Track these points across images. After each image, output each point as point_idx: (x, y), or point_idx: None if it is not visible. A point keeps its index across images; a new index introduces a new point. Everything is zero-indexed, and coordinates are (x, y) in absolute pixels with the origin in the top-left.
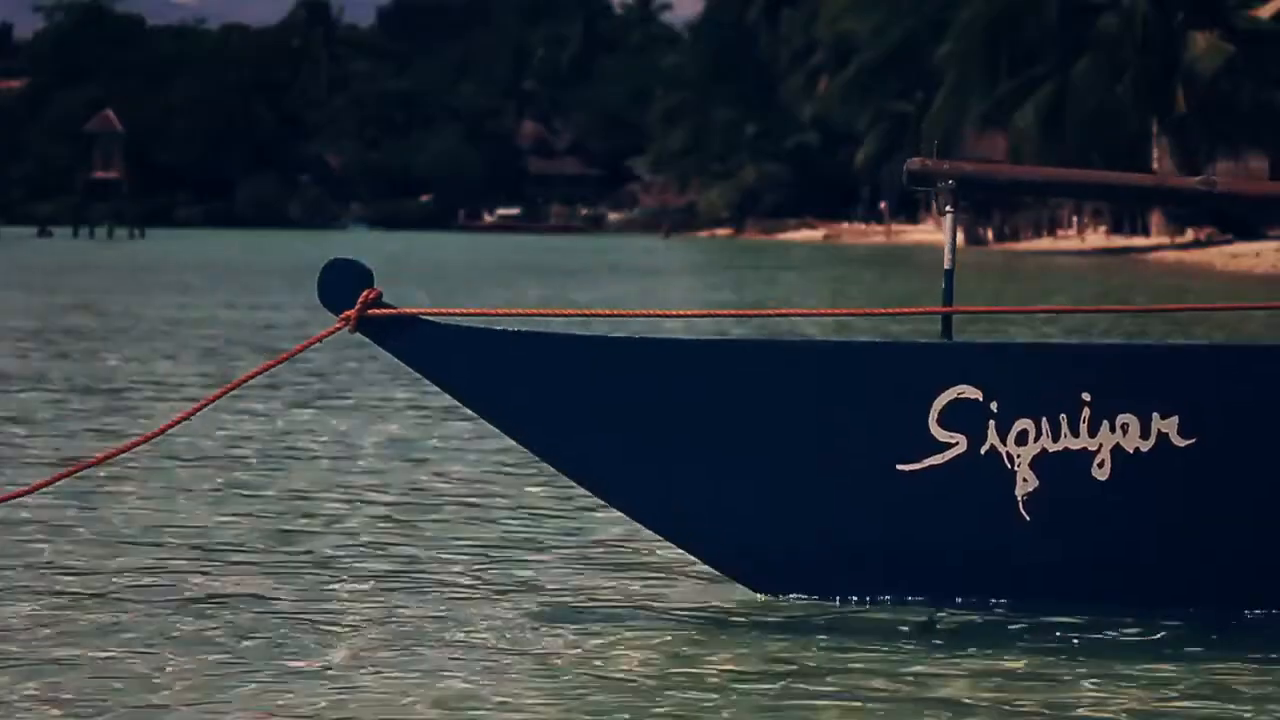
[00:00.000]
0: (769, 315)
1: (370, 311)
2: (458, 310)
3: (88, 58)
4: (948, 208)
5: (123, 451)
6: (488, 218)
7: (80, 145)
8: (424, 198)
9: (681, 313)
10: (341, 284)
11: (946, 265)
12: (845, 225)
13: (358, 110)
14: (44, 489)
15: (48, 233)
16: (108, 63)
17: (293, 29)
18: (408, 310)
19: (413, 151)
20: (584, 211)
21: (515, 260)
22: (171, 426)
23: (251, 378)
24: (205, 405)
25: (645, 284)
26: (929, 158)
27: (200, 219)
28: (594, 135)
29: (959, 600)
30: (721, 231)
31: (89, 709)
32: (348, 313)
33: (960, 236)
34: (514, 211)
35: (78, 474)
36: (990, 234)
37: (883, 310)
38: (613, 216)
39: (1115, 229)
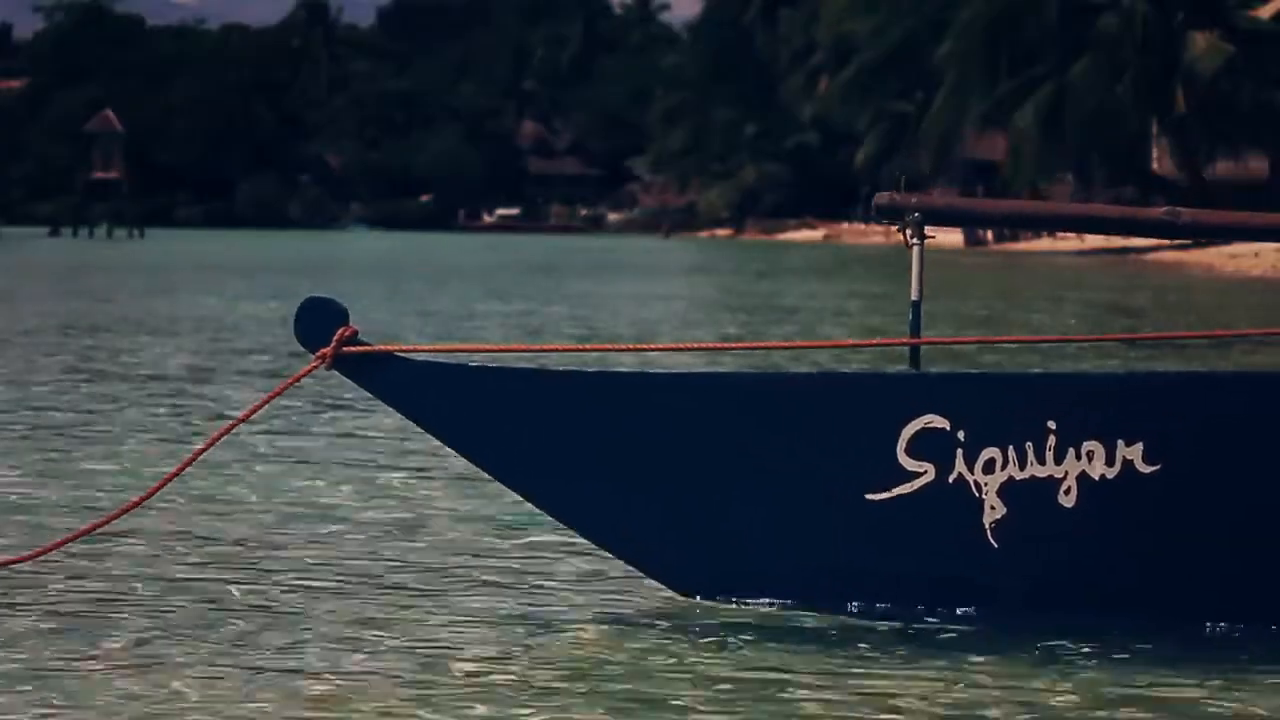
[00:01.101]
0: (734, 349)
1: (345, 349)
2: (432, 347)
3: (88, 58)
4: (914, 240)
5: (128, 510)
6: (487, 218)
7: (80, 145)
8: (424, 198)
9: (654, 347)
10: (317, 322)
11: (914, 296)
12: (845, 226)
13: (358, 110)
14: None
15: (57, 232)
16: (108, 63)
17: (292, 29)
18: (382, 347)
19: (412, 151)
20: (584, 212)
21: (515, 261)
22: (170, 480)
23: (234, 427)
24: (196, 457)
25: (643, 283)
26: (897, 191)
27: (200, 219)
28: (594, 135)
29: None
30: (721, 232)
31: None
32: (324, 350)
33: (959, 237)
34: (514, 211)
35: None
36: (990, 235)
37: (850, 343)
38: (612, 217)
39: None
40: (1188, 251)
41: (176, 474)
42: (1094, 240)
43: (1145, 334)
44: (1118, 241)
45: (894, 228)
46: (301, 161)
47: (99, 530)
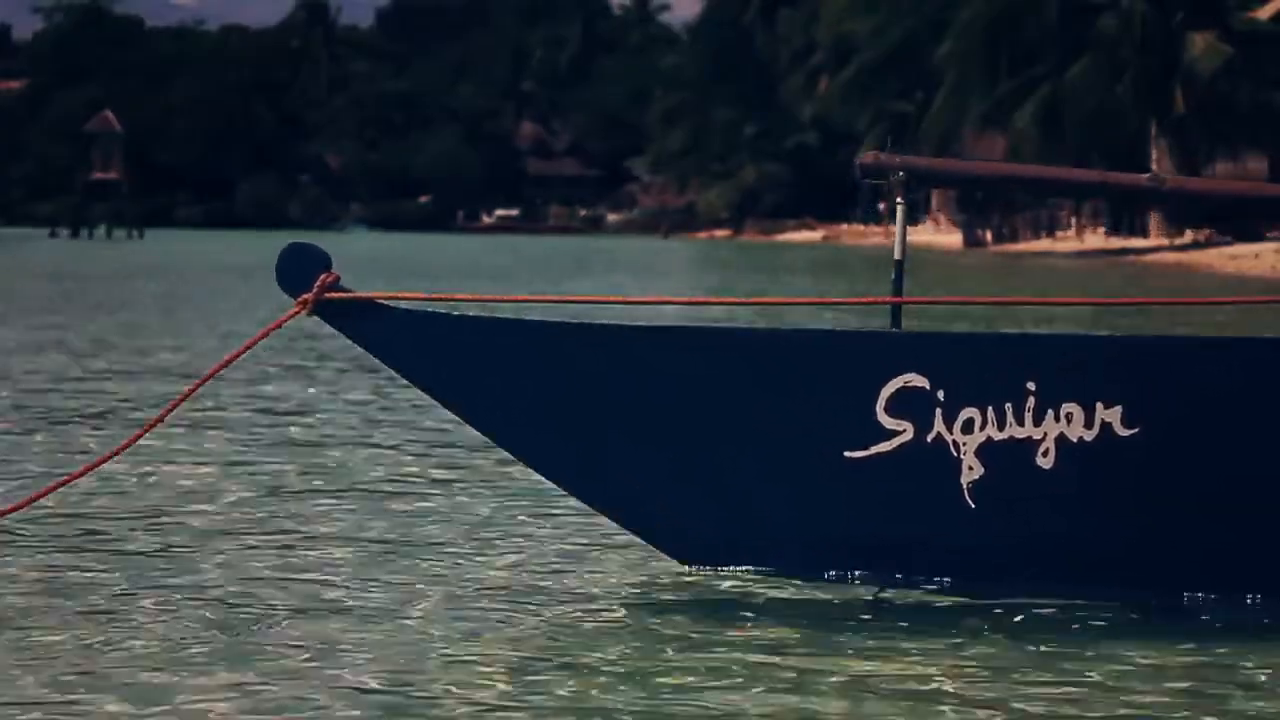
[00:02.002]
0: (722, 304)
1: (327, 295)
2: (415, 295)
3: (87, 58)
4: (899, 200)
5: (93, 467)
6: (486, 219)
7: (80, 146)
8: (423, 198)
9: (643, 300)
10: (299, 268)
11: (896, 256)
12: (844, 226)
13: (357, 111)
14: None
15: (55, 233)
16: (107, 63)
17: (292, 30)
18: (364, 295)
19: (411, 152)
20: (583, 212)
21: (515, 261)
22: (151, 428)
23: (216, 372)
24: (176, 405)
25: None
26: (880, 151)
27: (200, 219)
28: (593, 136)
29: (903, 586)
30: (720, 232)
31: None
32: (305, 296)
33: (958, 238)
34: (513, 213)
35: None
36: (989, 235)
37: (832, 300)
38: (611, 217)
39: (1114, 230)
40: (1186, 253)
41: (156, 423)
42: (1092, 241)
43: (1124, 299)
44: (1116, 243)
45: (880, 186)
46: (301, 162)
47: (98, 468)
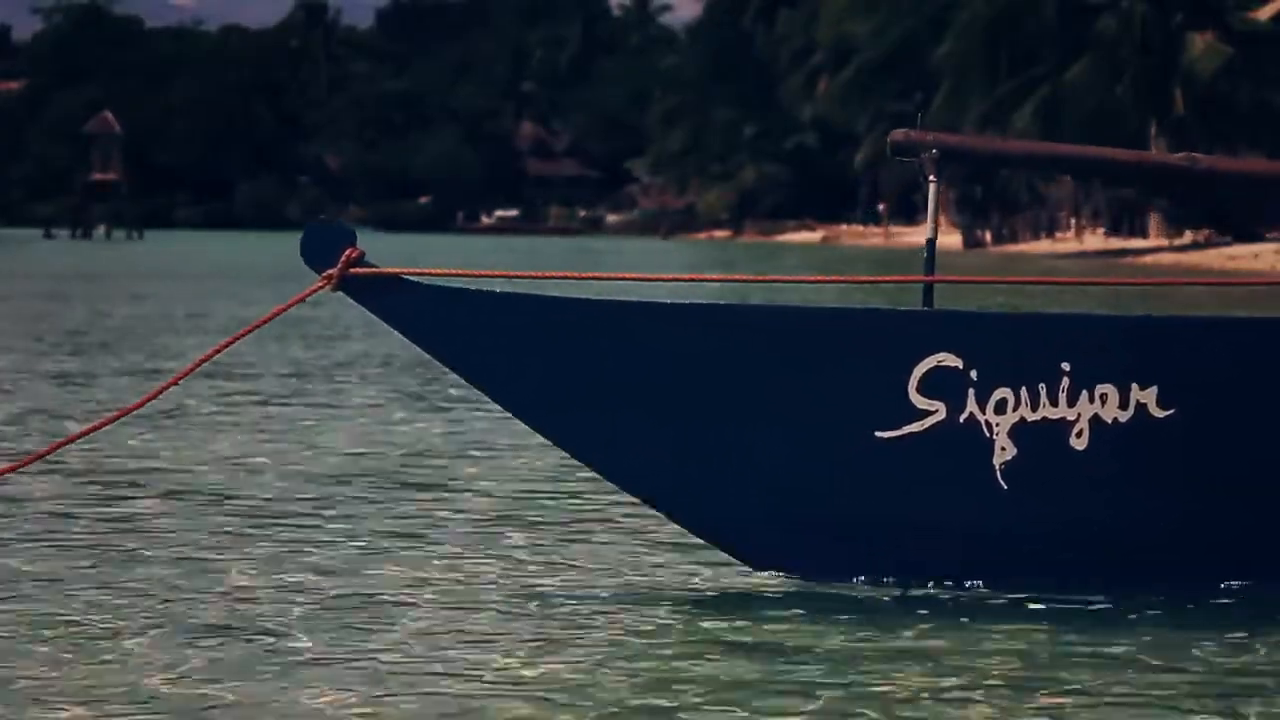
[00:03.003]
0: (750, 281)
1: (352, 270)
2: (441, 270)
3: (86, 59)
4: (931, 177)
5: (104, 425)
6: (486, 219)
7: (79, 146)
8: (422, 199)
9: (664, 277)
10: (324, 243)
11: (929, 234)
12: (844, 227)
13: (356, 111)
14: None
15: (50, 234)
16: (106, 64)
17: (291, 30)
18: (390, 270)
19: (411, 153)
20: (582, 213)
21: (514, 261)
22: (157, 395)
23: (236, 340)
24: (195, 366)
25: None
26: (911, 129)
27: (199, 220)
28: (593, 137)
29: (934, 568)
30: (720, 233)
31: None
32: (330, 271)
33: (958, 239)
34: (512, 213)
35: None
36: (989, 236)
37: (865, 279)
38: (611, 218)
39: (1113, 231)
40: (1186, 254)
41: (177, 380)
42: (1092, 242)
43: (1159, 279)
44: (1116, 244)
45: (911, 161)
46: (300, 162)
47: (108, 426)
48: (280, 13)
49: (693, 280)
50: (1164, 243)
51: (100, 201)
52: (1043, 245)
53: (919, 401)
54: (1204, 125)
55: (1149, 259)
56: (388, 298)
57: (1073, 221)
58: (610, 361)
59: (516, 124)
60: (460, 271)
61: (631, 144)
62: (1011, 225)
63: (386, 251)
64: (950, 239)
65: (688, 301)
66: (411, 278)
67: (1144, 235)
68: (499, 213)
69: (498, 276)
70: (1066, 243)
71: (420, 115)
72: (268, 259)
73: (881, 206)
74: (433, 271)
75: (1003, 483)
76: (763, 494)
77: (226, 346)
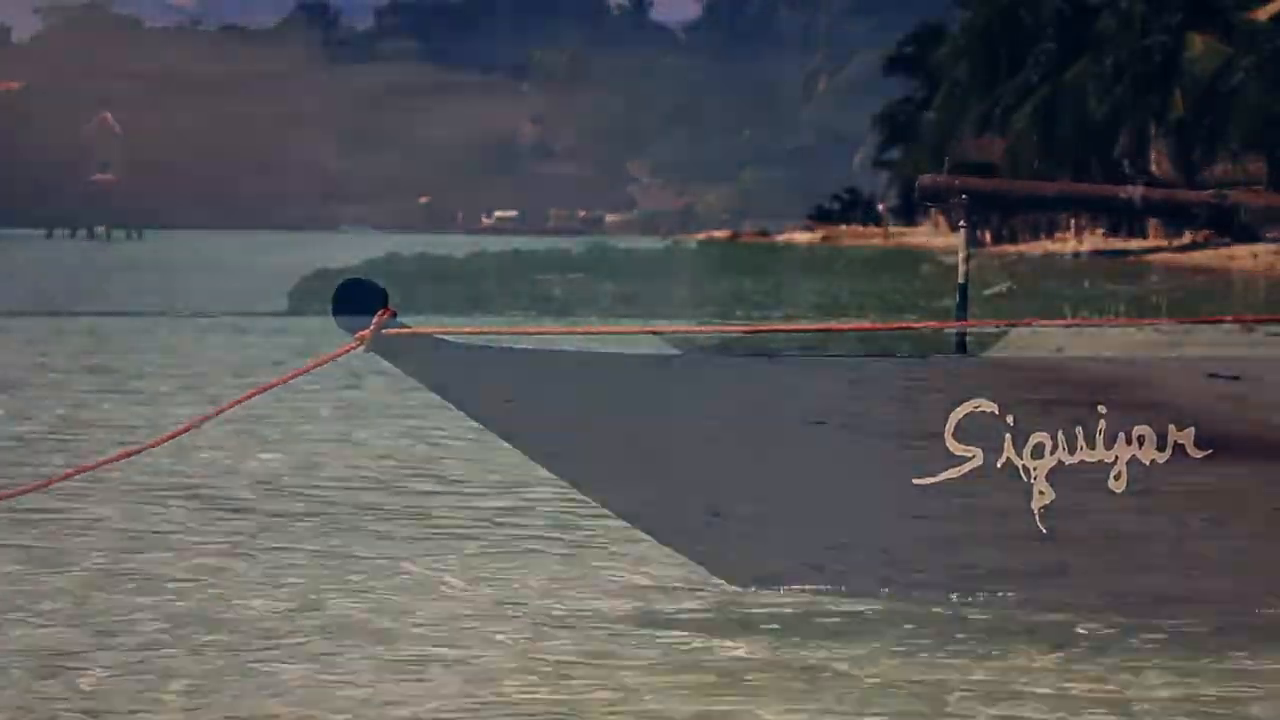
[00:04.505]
0: (781, 331)
1: (385, 331)
2: (470, 330)
3: (87, 59)
4: (961, 222)
5: (103, 464)
6: (485, 220)
7: (79, 146)
8: (422, 199)
9: (682, 329)
10: (356, 303)
11: (960, 279)
12: (844, 228)
13: (356, 111)
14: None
15: (51, 234)
16: (106, 64)
17: (291, 30)
18: (422, 330)
19: (411, 153)
20: (582, 214)
21: (514, 261)
22: (181, 433)
23: (262, 391)
24: (207, 419)
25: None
26: (939, 174)
27: (199, 220)
28: (592, 137)
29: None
30: (719, 234)
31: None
32: (362, 332)
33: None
34: (512, 214)
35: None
36: (989, 237)
37: (898, 325)
38: (610, 219)
39: (1112, 231)
40: (1185, 254)
41: (196, 425)
42: (1091, 243)
43: (1193, 318)
44: (1116, 244)
45: (939, 211)
46: (300, 162)
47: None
48: (280, 13)
49: (721, 332)
50: (1163, 243)
51: (100, 202)
52: (1042, 245)
53: (956, 448)
54: (1203, 126)
55: (1149, 259)
56: (419, 358)
57: (1072, 222)
58: (642, 414)
59: (517, 124)
60: (490, 330)
61: (631, 145)
62: (1011, 226)
63: (386, 252)
64: (950, 239)
65: (716, 352)
66: (443, 337)
67: (1143, 236)
68: (499, 213)
69: (529, 333)
70: (1066, 243)
71: (420, 115)
72: (268, 259)
73: (881, 207)
74: (463, 330)
75: (1042, 527)
76: (801, 538)
77: (253, 396)
